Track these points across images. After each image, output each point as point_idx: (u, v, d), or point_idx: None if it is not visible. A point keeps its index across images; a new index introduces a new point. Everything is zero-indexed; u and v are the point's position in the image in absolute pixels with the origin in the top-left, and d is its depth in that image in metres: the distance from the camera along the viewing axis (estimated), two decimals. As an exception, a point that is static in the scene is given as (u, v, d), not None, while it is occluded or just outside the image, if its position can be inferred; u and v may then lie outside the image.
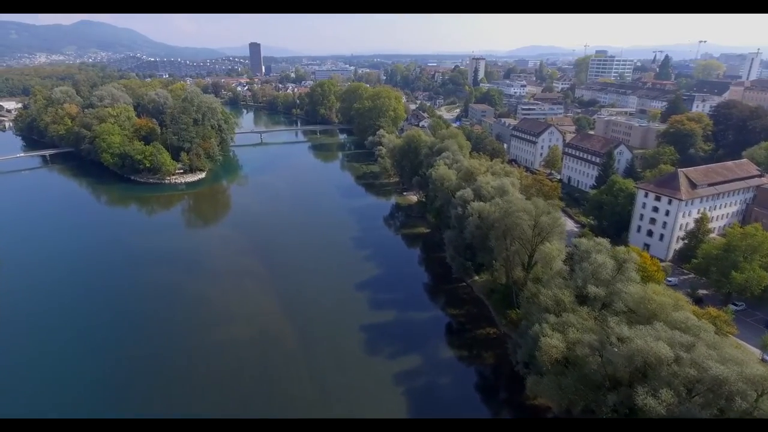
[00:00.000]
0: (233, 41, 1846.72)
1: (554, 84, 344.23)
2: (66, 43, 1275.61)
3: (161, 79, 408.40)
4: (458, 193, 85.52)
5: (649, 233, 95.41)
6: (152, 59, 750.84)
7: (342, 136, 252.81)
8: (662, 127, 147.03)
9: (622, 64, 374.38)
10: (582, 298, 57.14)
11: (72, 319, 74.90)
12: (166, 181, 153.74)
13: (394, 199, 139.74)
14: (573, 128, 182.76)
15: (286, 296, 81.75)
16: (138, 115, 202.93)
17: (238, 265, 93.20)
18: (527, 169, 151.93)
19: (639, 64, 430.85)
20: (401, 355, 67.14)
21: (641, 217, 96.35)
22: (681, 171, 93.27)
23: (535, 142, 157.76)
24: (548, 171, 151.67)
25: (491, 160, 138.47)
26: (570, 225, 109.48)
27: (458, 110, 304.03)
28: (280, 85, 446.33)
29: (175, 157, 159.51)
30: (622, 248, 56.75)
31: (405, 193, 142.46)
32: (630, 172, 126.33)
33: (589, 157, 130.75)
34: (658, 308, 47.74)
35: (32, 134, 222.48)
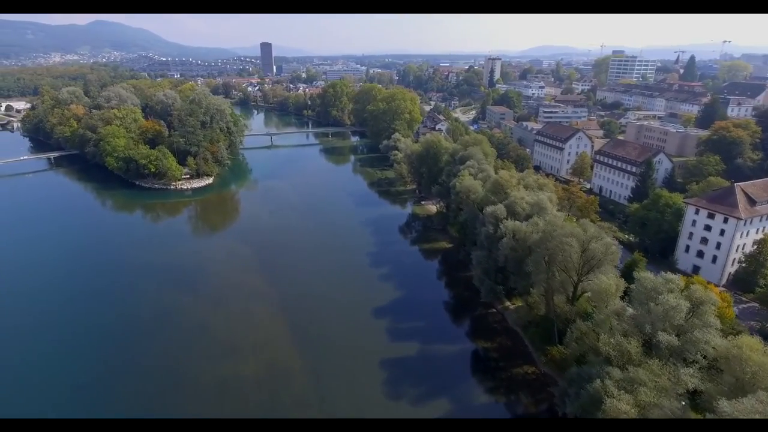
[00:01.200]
0: (245, 41, 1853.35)
1: (573, 85, 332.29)
2: (80, 43, 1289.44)
3: (171, 79, 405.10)
4: (489, 210, 76.53)
5: (700, 254, 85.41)
6: (164, 59, 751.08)
7: (354, 139, 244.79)
8: (703, 133, 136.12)
9: (644, 65, 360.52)
10: (647, 345, 48.20)
11: (57, 348, 67.53)
12: (172, 187, 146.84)
13: (411, 209, 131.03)
14: (600, 133, 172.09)
15: (295, 323, 73.52)
16: (145, 117, 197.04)
17: (244, 285, 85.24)
18: (553, 177, 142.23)
19: (659, 64, 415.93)
20: (427, 398, 58.49)
21: (690, 236, 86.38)
22: (738, 186, 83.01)
23: (561, 149, 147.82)
24: (576, 179, 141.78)
25: (515, 168, 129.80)
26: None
27: (474, 112, 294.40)
28: (291, 86, 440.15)
29: (182, 161, 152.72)
30: (697, 287, 47.31)
31: (423, 202, 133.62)
32: (670, 184, 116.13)
33: (624, 166, 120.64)
34: (759, 370, 38.37)
35: (39, 135, 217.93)
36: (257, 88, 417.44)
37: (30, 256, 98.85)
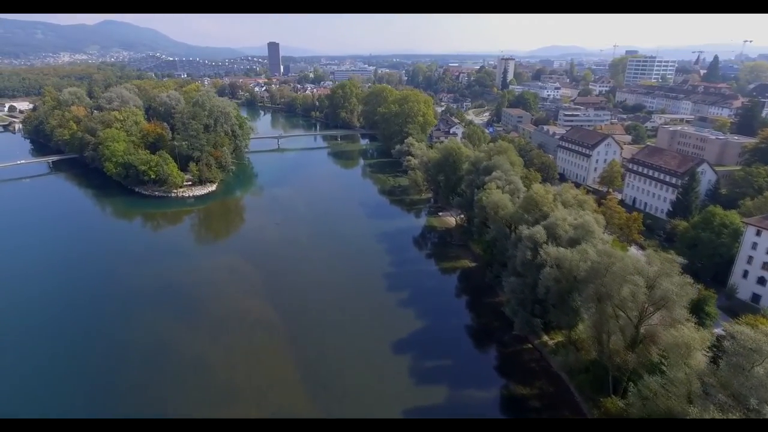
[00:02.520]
0: (253, 41, 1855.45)
1: (590, 86, 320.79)
2: (89, 43, 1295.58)
3: (177, 80, 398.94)
4: (526, 233, 66.96)
5: (761, 281, 75.25)
6: (171, 59, 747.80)
7: (363, 141, 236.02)
8: (747, 140, 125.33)
9: (663, 66, 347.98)
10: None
11: (24, 392, 58.99)
12: (173, 195, 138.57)
13: (427, 220, 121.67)
14: (628, 138, 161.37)
15: (305, 361, 64.47)
16: (148, 119, 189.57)
17: (246, 311, 76.38)
18: (579, 186, 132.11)
19: (676, 65, 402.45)
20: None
21: (749, 260, 76.23)
22: (808, 204, 72.91)
23: (588, 156, 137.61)
24: (604, 189, 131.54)
25: (540, 176, 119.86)
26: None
27: (487, 114, 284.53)
28: (299, 86, 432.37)
29: (184, 166, 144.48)
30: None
31: (440, 214, 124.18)
32: (714, 197, 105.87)
33: (662, 177, 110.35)
34: None
35: (40, 138, 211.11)
36: (264, 88, 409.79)
37: (5, 273, 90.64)
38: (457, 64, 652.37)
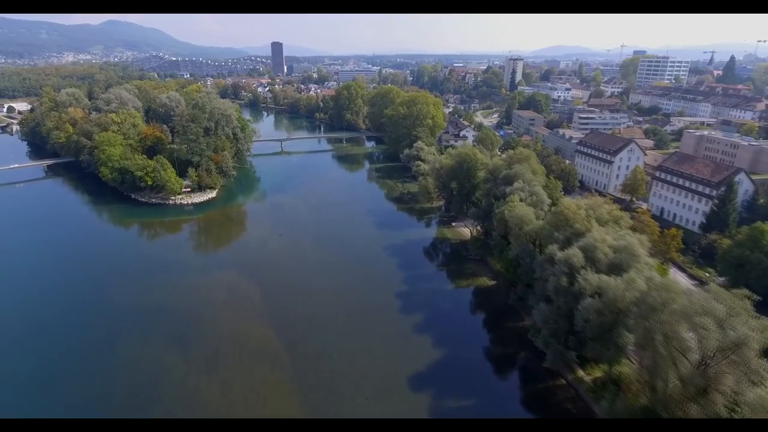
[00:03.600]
0: (256, 41, 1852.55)
1: (602, 87, 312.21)
2: (94, 43, 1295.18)
3: (179, 80, 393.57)
4: (560, 255, 59.48)
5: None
6: (174, 59, 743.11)
7: (369, 144, 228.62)
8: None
9: (677, 66, 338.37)
10: None
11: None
12: (171, 202, 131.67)
13: (439, 231, 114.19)
14: (649, 143, 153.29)
15: (312, 401, 57.11)
16: (148, 121, 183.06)
17: (246, 338, 69.22)
18: (600, 194, 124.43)
19: (689, 65, 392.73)
20: None
21: (806, 283, 68.38)
22: None
23: (610, 162, 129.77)
24: (627, 197, 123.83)
25: (561, 184, 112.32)
26: (681, 279, 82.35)
27: (496, 116, 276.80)
28: (302, 86, 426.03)
29: (183, 172, 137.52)
30: None
31: (453, 224, 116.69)
32: (752, 209, 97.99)
33: (694, 186, 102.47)
34: None
35: (36, 140, 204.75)
36: (267, 89, 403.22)
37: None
38: (462, 65, 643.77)
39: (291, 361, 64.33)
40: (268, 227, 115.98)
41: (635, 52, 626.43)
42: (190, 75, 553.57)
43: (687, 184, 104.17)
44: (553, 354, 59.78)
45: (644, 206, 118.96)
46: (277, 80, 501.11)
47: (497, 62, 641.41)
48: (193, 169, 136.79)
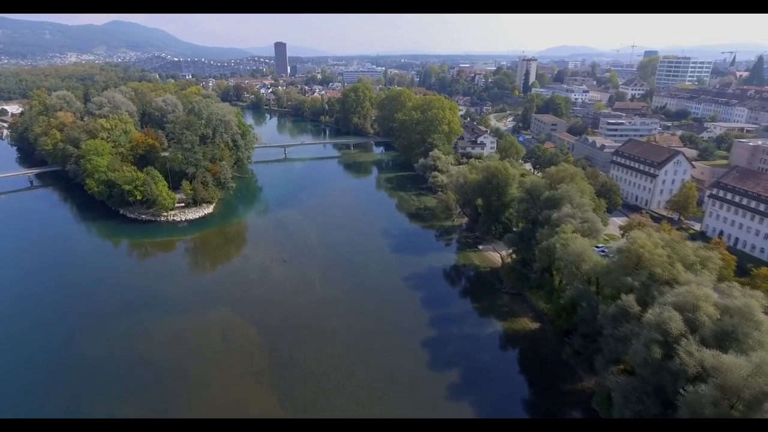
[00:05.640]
0: (259, 41, 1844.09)
1: (621, 89, 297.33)
2: (97, 43, 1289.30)
3: (179, 81, 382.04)
4: (651, 319, 45.58)
5: None
6: (176, 59, 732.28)
7: (378, 150, 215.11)
8: None
9: (698, 67, 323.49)
10: None
11: None
12: (163, 218, 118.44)
13: (465, 255, 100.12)
14: (692, 153, 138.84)
15: None
16: (143, 126, 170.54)
17: (244, 407, 55.64)
18: (641, 211, 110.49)
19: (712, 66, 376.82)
20: None
21: None
22: None
23: (654, 175, 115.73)
24: (674, 216, 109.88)
25: (604, 204, 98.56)
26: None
27: (510, 119, 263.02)
28: (306, 87, 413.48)
29: (176, 184, 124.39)
30: None
31: (480, 247, 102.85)
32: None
33: (762, 208, 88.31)
34: None
35: (25, 146, 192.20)
36: (270, 90, 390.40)
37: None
38: (468, 65, 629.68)
39: (297, 443, 50.65)
40: (270, 251, 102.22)
41: (646, 53, 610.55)
42: (193, 76, 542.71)
43: (753, 205, 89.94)
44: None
45: (696, 227, 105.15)
46: (281, 81, 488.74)
47: (503, 62, 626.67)
48: (188, 182, 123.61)
